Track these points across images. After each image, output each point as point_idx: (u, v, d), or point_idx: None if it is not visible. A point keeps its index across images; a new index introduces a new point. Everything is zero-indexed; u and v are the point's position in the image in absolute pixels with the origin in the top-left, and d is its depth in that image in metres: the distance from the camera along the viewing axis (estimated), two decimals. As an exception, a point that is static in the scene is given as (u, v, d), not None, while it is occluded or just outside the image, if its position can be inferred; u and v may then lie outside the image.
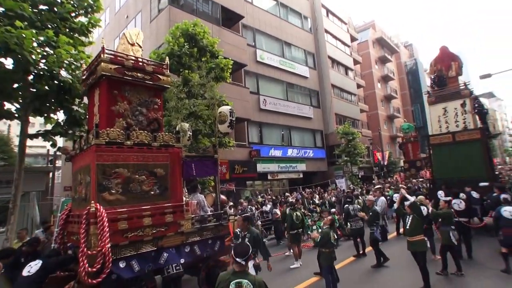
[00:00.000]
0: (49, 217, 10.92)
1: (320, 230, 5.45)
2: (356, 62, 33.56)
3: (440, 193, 8.64)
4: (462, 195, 7.75)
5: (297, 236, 7.71)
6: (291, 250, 8.63)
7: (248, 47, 18.93)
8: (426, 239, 5.61)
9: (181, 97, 8.63)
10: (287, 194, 14.84)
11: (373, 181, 24.43)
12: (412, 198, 5.95)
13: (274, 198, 13.29)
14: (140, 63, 5.29)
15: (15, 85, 6.36)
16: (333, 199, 13.80)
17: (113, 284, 4.16)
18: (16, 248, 5.17)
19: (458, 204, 7.32)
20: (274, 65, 21.07)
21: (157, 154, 5.08)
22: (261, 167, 18.38)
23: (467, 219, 7.16)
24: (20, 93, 6.48)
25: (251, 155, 17.61)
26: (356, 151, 21.46)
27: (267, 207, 11.73)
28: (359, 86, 33.50)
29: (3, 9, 5.84)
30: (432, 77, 11.27)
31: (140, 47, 5.74)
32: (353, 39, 33.35)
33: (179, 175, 5.34)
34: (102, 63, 4.74)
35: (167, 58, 5.99)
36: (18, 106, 6.65)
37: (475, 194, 8.30)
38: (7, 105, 6.74)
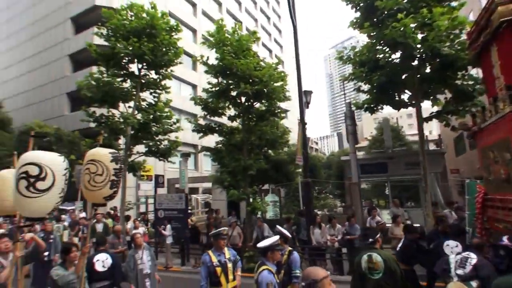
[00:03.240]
0: (451, 198, 10.98)
1: None
2: None
3: None
4: None
5: None
6: None
7: None
8: None
9: None
10: None
11: None
12: None
13: None
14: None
15: (404, 76, 6.98)
16: None
17: None
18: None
19: None
20: None
21: None
22: None
23: None
24: (408, 81, 7.01)
25: None
26: None
27: None
28: None
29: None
30: None
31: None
32: None
33: None
34: (499, 8, 3.64)
35: None
36: (409, 93, 7.26)
37: None
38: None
